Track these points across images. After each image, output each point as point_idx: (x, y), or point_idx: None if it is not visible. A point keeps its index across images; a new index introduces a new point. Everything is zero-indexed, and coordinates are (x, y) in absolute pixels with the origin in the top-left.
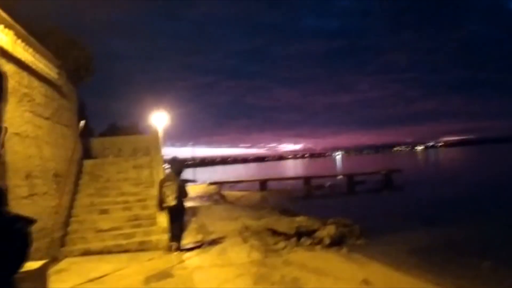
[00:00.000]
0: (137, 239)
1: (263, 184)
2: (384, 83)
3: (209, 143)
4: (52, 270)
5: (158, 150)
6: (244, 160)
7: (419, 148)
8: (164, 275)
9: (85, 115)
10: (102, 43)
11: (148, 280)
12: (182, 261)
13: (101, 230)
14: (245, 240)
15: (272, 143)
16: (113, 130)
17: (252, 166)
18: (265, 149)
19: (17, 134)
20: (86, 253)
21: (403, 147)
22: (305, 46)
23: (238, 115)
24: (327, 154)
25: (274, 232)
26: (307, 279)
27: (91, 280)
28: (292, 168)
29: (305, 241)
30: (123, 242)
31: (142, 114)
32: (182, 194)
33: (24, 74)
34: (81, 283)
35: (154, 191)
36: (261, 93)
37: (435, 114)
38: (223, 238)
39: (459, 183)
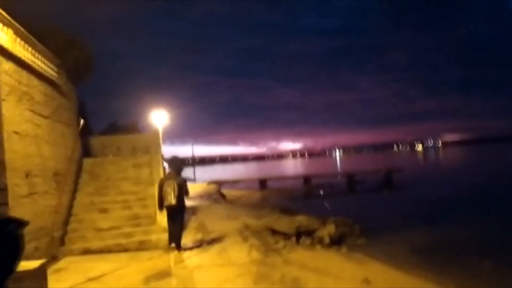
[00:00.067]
0: (137, 238)
1: (263, 183)
2: (384, 82)
3: (209, 142)
4: (51, 269)
5: (158, 149)
6: (244, 159)
7: (419, 147)
8: (164, 274)
9: (85, 114)
10: (102, 42)
11: (147, 279)
12: (182, 261)
13: (100, 229)
14: (245, 240)
15: (272, 142)
16: (113, 129)
17: (252, 165)
18: (265, 148)
19: (16, 132)
20: (86, 252)
21: (403, 146)
22: (305, 45)
23: (238, 114)
24: (327, 153)
25: (274, 232)
26: (307, 278)
27: (90, 279)
28: (292, 167)
29: (305, 240)
30: (123, 241)
31: (142, 113)
32: (183, 192)
33: (24, 72)
34: (81, 282)
35: (154, 190)
36: (261, 92)
37: (435, 113)
38: (223, 238)
39: (459, 183)
